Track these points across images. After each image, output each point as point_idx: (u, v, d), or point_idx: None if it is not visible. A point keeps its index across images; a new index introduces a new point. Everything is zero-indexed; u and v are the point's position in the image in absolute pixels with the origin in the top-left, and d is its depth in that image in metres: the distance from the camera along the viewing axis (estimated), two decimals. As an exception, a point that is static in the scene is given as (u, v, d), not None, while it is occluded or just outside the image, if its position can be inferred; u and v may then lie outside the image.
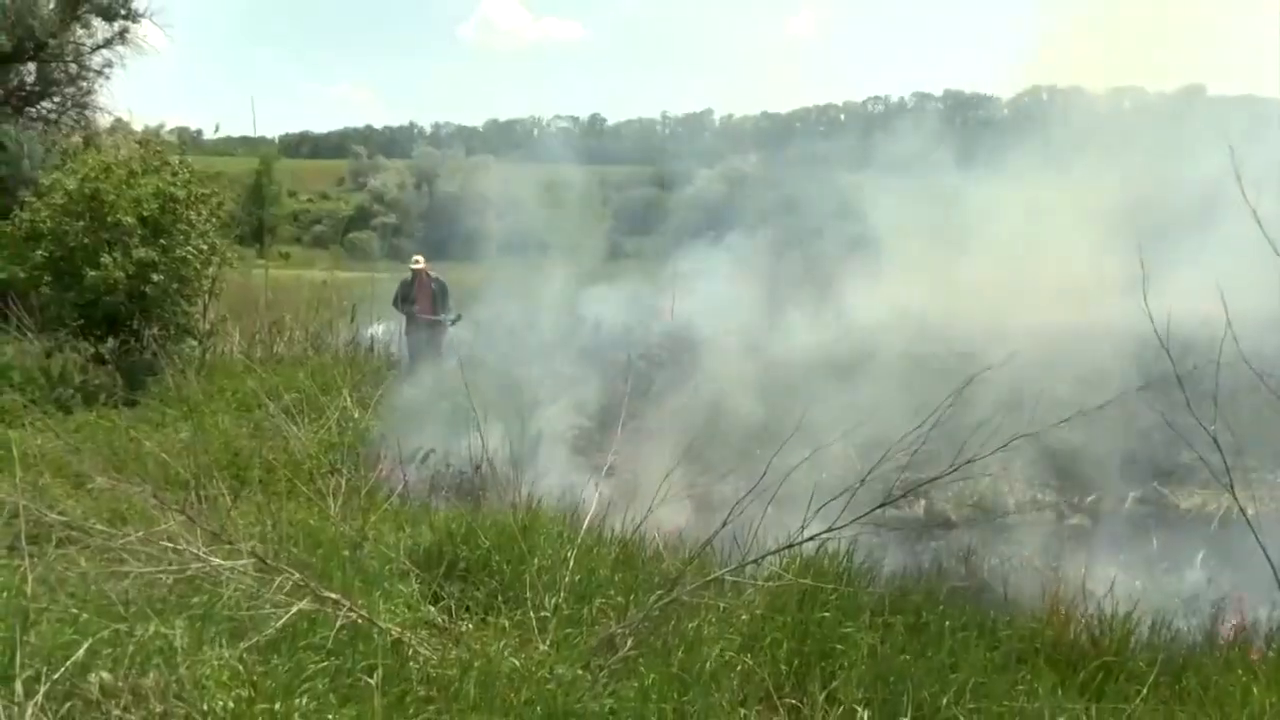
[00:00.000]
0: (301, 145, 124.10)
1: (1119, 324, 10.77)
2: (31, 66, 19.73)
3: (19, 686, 3.37)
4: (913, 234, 13.84)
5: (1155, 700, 4.95)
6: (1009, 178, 14.01)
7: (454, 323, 15.81)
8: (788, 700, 4.53)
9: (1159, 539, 7.91)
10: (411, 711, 3.89)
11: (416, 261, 15.74)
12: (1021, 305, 12.32)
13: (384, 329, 17.32)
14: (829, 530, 4.82)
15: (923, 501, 5.36)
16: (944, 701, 4.50)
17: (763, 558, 5.12)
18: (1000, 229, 13.09)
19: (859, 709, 4.33)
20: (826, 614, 5.19)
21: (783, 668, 4.78)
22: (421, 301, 15.40)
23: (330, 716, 3.66)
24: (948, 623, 5.57)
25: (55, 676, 3.45)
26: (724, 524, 4.98)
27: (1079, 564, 7.28)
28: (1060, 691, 5.00)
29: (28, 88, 19.96)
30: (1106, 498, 8.63)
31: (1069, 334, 11.63)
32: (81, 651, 3.60)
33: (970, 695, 4.60)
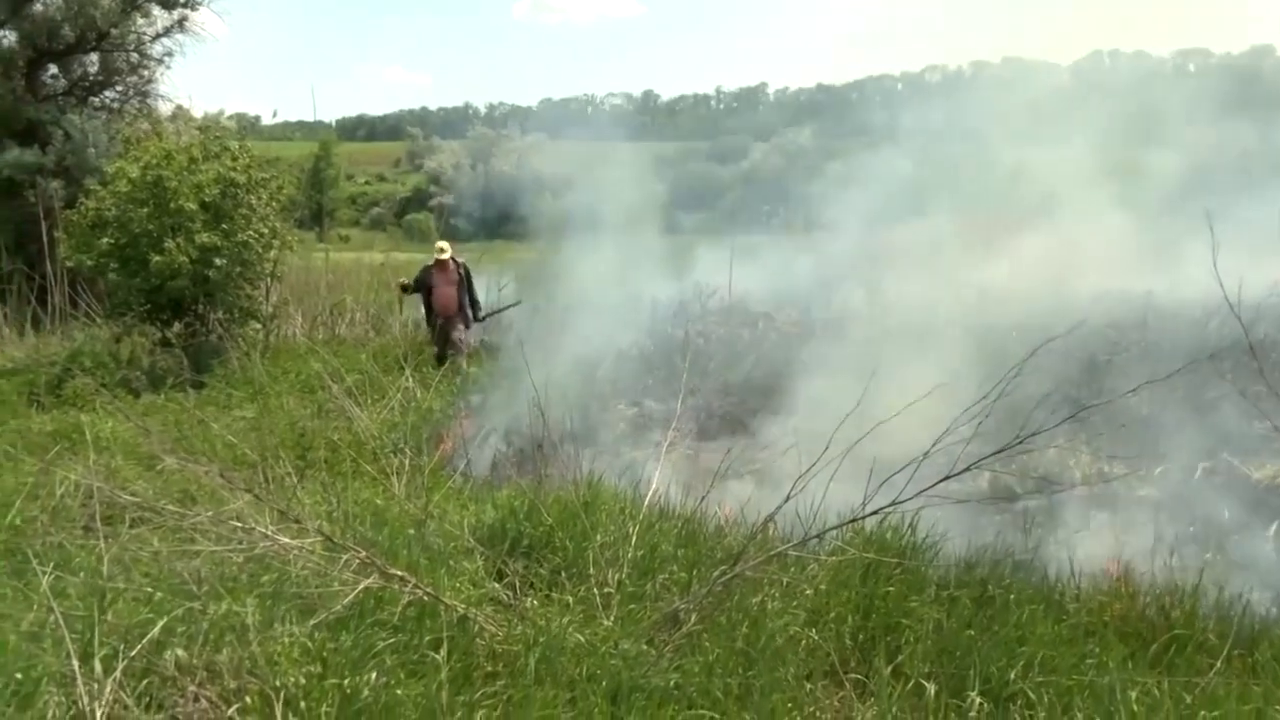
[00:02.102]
0: (358, 128, 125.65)
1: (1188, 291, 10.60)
2: (94, 57, 20.10)
3: (98, 664, 3.45)
4: (974, 204, 13.66)
5: (1229, 673, 4.86)
6: (1070, 144, 13.77)
7: (487, 316, 14.83)
8: (853, 675, 4.51)
9: (1230, 510, 7.74)
10: (477, 686, 3.92)
11: (441, 251, 14.45)
12: (1086, 274, 12.14)
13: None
14: (892, 504, 4.77)
15: (987, 474, 5.26)
16: (1011, 675, 4.45)
17: (825, 533, 5.09)
18: (1063, 196, 12.88)
19: (925, 683, 4.30)
20: (891, 589, 5.16)
21: (847, 642, 4.76)
22: (443, 289, 14.27)
23: (399, 691, 3.70)
24: (1013, 596, 5.51)
25: (132, 654, 3.52)
26: (787, 498, 4.95)
27: (1147, 536, 7.16)
28: (1130, 665, 4.93)
29: (91, 78, 20.32)
30: (1175, 469, 8.45)
31: (1137, 303, 11.45)
32: (157, 629, 3.68)
33: (1038, 669, 4.55)
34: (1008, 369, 4.61)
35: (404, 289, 15.12)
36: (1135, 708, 4.21)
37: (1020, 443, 4.51)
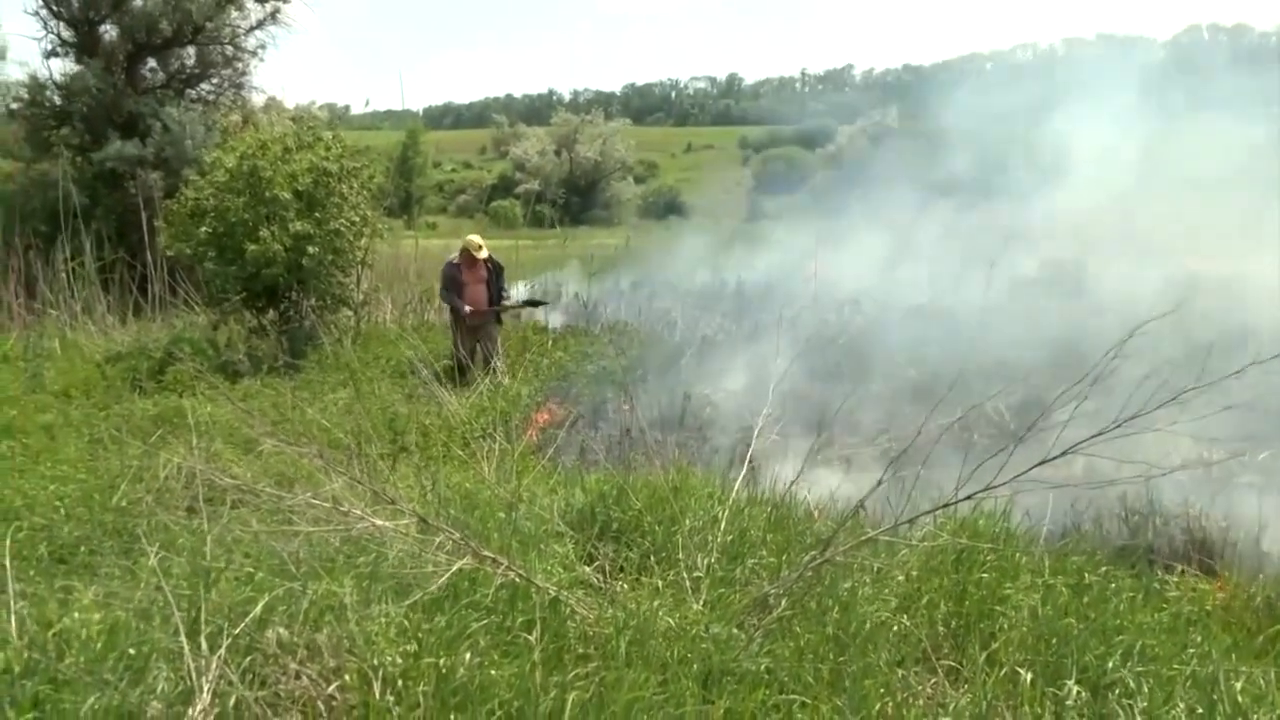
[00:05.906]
0: (445, 117, 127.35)
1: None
2: (191, 50, 20.62)
3: (204, 642, 3.55)
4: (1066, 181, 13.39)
5: (1340, 665, 4.71)
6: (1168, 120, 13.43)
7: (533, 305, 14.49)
8: (946, 661, 4.46)
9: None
10: (569, 668, 3.95)
11: (479, 249, 12.73)
12: (1188, 254, 11.83)
13: (527, 290, 17.09)
14: (985, 489, 4.69)
15: (1081, 460, 5.13)
16: (1109, 664, 4.37)
17: (916, 518, 5.03)
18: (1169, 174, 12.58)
19: (1021, 670, 4.24)
20: (984, 575, 5.09)
21: (940, 629, 4.70)
22: (474, 287, 12.67)
23: (493, 671, 3.75)
24: (1112, 584, 5.40)
25: (236, 632, 3.61)
26: (878, 484, 4.91)
27: (1251, 524, 6.97)
28: (1234, 655, 4.81)
29: (188, 71, 20.85)
30: (1280, 454, 8.20)
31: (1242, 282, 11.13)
32: (259, 608, 3.76)
33: (1137, 658, 4.45)
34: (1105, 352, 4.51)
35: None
36: (1240, 698, 4.10)
37: (1117, 427, 4.40)
